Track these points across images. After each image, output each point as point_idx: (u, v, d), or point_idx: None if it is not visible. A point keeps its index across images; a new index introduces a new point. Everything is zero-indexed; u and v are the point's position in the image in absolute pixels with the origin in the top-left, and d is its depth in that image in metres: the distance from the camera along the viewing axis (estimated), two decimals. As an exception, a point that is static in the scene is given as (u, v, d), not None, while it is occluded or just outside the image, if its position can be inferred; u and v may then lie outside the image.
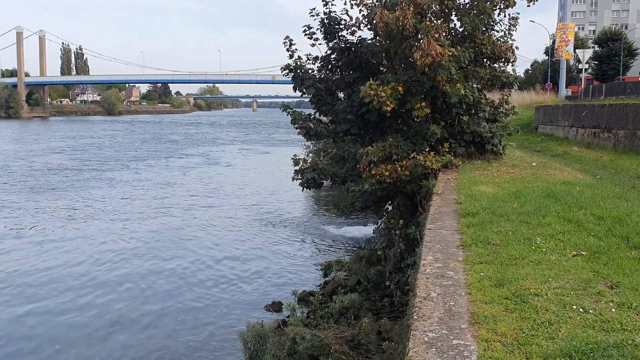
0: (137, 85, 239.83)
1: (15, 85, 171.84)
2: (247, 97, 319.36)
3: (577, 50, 51.93)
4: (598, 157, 18.56)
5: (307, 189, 17.99)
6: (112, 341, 14.33)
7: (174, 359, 13.31)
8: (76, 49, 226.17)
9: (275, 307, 16.16)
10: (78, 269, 20.05)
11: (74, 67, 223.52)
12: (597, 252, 6.79)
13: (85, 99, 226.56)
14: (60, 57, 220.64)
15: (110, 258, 21.40)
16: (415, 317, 5.03)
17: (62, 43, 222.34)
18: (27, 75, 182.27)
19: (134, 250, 22.53)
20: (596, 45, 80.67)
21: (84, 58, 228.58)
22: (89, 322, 15.51)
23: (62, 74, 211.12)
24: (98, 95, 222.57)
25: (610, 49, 76.88)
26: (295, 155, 18.45)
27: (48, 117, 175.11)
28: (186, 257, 21.60)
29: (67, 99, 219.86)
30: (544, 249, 6.97)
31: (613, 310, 5.04)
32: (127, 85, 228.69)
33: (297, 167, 17.42)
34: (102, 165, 50.83)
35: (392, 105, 14.75)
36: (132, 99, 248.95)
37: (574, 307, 5.10)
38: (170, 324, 15.38)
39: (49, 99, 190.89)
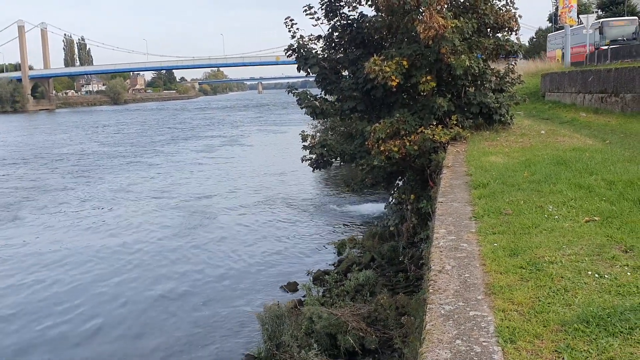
0: (141, 73, 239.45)
1: (19, 80, 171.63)
2: (252, 79, 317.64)
3: (580, 16, 51.37)
4: (606, 122, 18.46)
5: (317, 169, 18.01)
6: (131, 321, 14.52)
7: (192, 341, 13.41)
8: (79, 39, 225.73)
9: (291, 287, 16.24)
10: (92, 249, 20.37)
11: (77, 58, 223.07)
12: (609, 217, 6.79)
13: (91, 89, 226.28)
14: (63, 48, 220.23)
15: (126, 240, 21.74)
16: (430, 290, 5.06)
17: (65, 34, 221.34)
18: (31, 68, 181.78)
19: (150, 233, 22.74)
20: (599, 10, 79.68)
21: (87, 48, 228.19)
22: (107, 303, 15.75)
23: (66, 65, 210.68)
24: (103, 85, 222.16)
25: (614, 13, 75.95)
26: (303, 131, 18.44)
27: (54, 109, 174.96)
28: (201, 240, 21.73)
29: (72, 90, 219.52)
30: (556, 217, 6.98)
31: (628, 274, 5.05)
32: (131, 73, 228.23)
33: (305, 143, 17.41)
34: (120, 153, 50.72)
35: (397, 80, 14.68)
36: (137, 87, 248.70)
37: (589, 272, 5.12)
38: (187, 306, 15.49)
39: (54, 91, 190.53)
